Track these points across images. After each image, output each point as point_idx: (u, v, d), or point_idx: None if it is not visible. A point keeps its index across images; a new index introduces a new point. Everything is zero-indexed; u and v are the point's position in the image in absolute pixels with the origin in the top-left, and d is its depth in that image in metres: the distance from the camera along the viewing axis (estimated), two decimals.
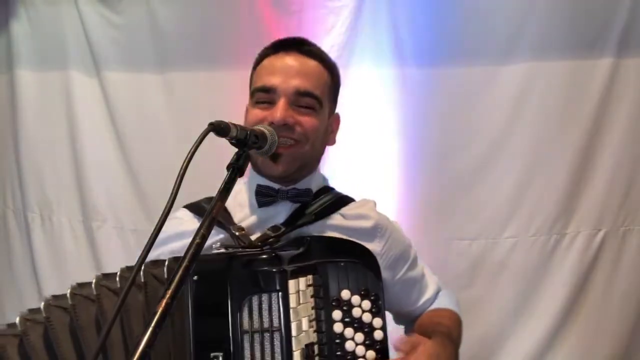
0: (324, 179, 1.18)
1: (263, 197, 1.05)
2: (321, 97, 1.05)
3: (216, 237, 1.02)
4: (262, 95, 1.04)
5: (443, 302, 1.18)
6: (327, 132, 1.12)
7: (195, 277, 0.82)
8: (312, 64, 1.06)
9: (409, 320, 1.20)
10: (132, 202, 2.21)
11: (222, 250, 0.93)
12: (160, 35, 2.14)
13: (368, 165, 2.01)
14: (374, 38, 2.01)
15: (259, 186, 1.05)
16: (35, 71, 2.29)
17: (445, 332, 1.02)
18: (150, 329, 0.61)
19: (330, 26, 2.02)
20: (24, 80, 2.29)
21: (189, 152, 0.74)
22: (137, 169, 2.20)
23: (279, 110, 1.00)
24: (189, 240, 0.96)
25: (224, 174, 0.83)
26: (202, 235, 0.72)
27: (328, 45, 2.01)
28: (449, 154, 2.00)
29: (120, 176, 2.22)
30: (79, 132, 2.24)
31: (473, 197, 1.99)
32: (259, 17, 2.06)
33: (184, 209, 1.13)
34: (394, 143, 2.02)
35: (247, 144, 0.86)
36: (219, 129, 0.80)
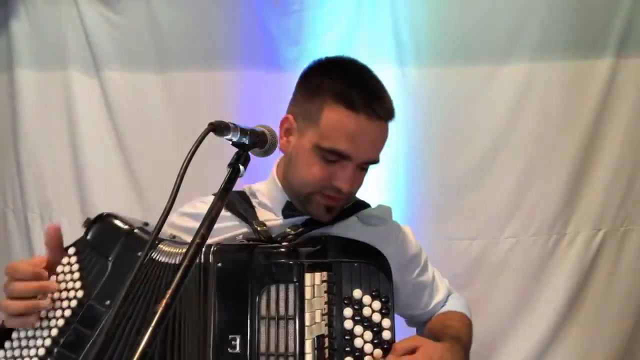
0: None
1: (290, 211, 1.08)
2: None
3: (238, 230, 1.05)
4: (331, 157, 0.99)
5: (453, 305, 1.22)
6: None
7: (219, 264, 0.88)
8: (384, 130, 1.05)
9: (420, 323, 1.23)
10: (132, 202, 2.21)
11: (244, 242, 0.97)
12: (160, 35, 2.14)
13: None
14: (374, 38, 2.01)
15: (289, 202, 1.08)
16: (35, 71, 2.28)
17: (455, 335, 1.04)
18: (150, 329, 0.61)
19: (330, 26, 2.02)
20: (24, 80, 2.28)
21: (189, 152, 0.74)
22: (137, 169, 2.20)
23: (349, 183, 1.01)
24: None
25: (224, 173, 0.83)
26: (201, 235, 0.73)
27: (327, 45, 2.01)
28: (449, 154, 2.00)
29: (120, 176, 2.22)
30: (79, 131, 2.24)
31: (473, 197, 1.99)
32: (258, 17, 2.07)
33: (212, 195, 1.15)
34: (393, 142, 2.01)
35: (247, 144, 0.86)
36: (219, 129, 0.80)
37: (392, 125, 2.10)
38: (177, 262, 0.92)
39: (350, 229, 1.09)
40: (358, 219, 1.13)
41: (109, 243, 0.96)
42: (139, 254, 0.94)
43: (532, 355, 1.97)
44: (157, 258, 0.94)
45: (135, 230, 0.98)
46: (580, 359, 1.98)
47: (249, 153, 0.87)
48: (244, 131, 0.85)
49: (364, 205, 1.15)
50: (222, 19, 2.09)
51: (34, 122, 2.29)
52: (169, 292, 0.65)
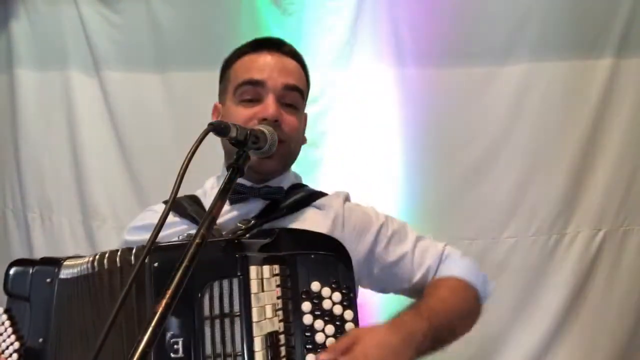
0: (297, 176, 1.17)
1: (234, 194, 1.04)
2: (304, 93, 1.09)
3: (190, 232, 1.00)
4: (248, 90, 1.03)
5: (447, 269, 1.06)
6: (303, 132, 1.13)
7: (155, 264, 0.83)
8: (292, 63, 1.09)
9: (416, 295, 1.09)
10: (132, 202, 2.21)
11: (185, 239, 0.93)
12: (160, 35, 2.14)
13: (368, 165, 2.01)
14: (374, 38, 2.01)
15: None
16: (35, 71, 2.29)
17: (420, 307, 0.93)
18: (150, 329, 0.60)
19: (330, 26, 2.02)
20: (24, 80, 2.29)
21: (189, 152, 0.74)
22: (137, 168, 2.20)
23: (271, 106, 1.01)
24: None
25: (223, 173, 0.83)
26: (201, 235, 0.72)
27: (328, 45, 2.01)
28: (448, 154, 2.00)
29: (120, 176, 2.22)
30: (78, 131, 2.24)
31: (473, 197, 1.99)
32: (259, 17, 2.06)
33: (163, 203, 1.13)
34: (394, 143, 2.02)
35: (247, 144, 0.86)
36: (219, 129, 0.80)
37: (390, 124, 2.10)
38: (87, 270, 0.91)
39: (304, 219, 1.04)
40: (315, 207, 1.07)
41: (22, 284, 0.95)
42: (48, 280, 0.94)
43: (532, 355, 1.97)
44: (71, 275, 0.92)
45: (42, 259, 0.98)
46: (580, 358, 1.97)
47: (249, 153, 0.87)
48: (243, 131, 0.85)
49: (319, 194, 1.11)
50: (221, 19, 2.09)
51: (34, 122, 2.29)
52: (169, 292, 0.64)
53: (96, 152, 2.23)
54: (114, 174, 2.23)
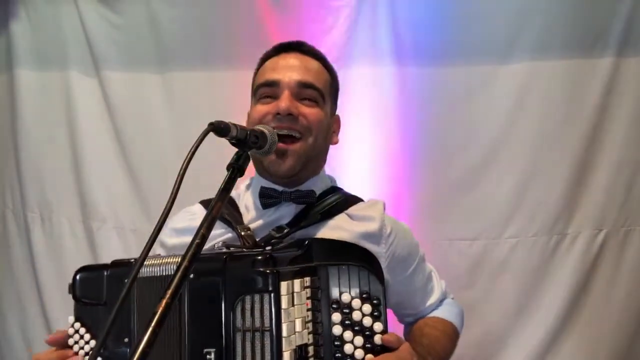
0: (332, 179, 1.18)
1: (267, 199, 1.05)
2: (323, 91, 1.08)
3: (224, 237, 1.04)
4: (265, 90, 1.06)
5: (446, 311, 1.19)
6: (330, 131, 1.13)
7: (191, 275, 0.82)
8: (313, 62, 1.10)
9: (409, 322, 1.20)
10: (132, 202, 2.21)
11: (223, 249, 0.94)
12: (160, 35, 2.14)
13: (368, 165, 2.01)
14: (374, 38, 2.01)
15: (262, 188, 1.06)
16: (35, 71, 2.29)
17: (427, 344, 1.04)
18: (150, 329, 0.61)
19: (329, 26, 2.02)
20: (24, 80, 2.29)
21: (189, 152, 0.74)
22: (137, 169, 2.20)
23: (284, 101, 1.02)
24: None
25: (224, 173, 0.83)
26: (202, 235, 0.72)
27: (327, 45, 2.00)
28: (449, 153, 2.00)
29: (120, 176, 2.22)
30: (78, 132, 2.24)
31: (473, 197, 1.99)
32: (258, 17, 2.06)
33: (200, 204, 1.15)
34: (393, 143, 2.02)
35: (247, 144, 0.86)
36: (219, 129, 0.80)
37: (390, 124, 2.09)
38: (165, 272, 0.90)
39: (338, 227, 1.05)
40: (348, 215, 1.08)
41: (95, 288, 0.95)
42: (126, 280, 0.93)
43: (534, 355, 1.97)
44: (146, 274, 0.90)
45: (114, 261, 0.97)
46: (583, 358, 1.97)
47: (249, 153, 0.87)
48: (243, 131, 0.85)
49: (353, 200, 1.12)
50: (221, 19, 2.09)
51: (34, 122, 2.29)
52: (169, 292, 0.64)
53: (96, 152, 2.23)
54: (114, 174, 2.22)
